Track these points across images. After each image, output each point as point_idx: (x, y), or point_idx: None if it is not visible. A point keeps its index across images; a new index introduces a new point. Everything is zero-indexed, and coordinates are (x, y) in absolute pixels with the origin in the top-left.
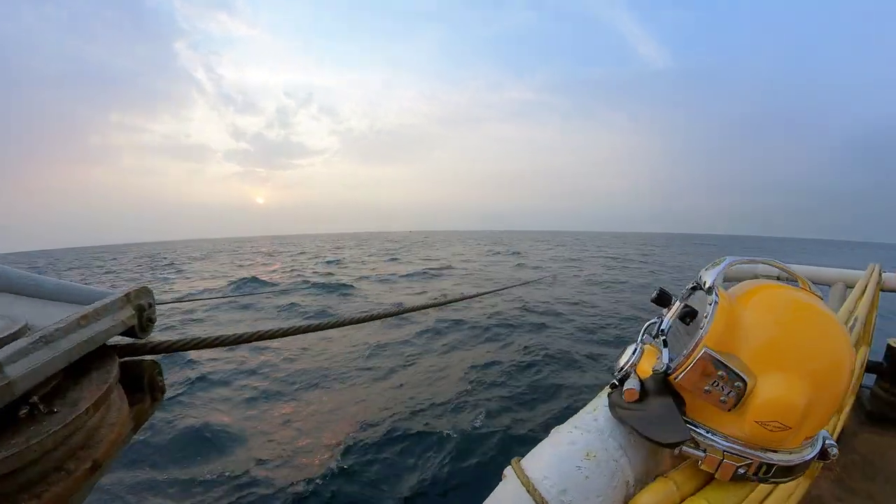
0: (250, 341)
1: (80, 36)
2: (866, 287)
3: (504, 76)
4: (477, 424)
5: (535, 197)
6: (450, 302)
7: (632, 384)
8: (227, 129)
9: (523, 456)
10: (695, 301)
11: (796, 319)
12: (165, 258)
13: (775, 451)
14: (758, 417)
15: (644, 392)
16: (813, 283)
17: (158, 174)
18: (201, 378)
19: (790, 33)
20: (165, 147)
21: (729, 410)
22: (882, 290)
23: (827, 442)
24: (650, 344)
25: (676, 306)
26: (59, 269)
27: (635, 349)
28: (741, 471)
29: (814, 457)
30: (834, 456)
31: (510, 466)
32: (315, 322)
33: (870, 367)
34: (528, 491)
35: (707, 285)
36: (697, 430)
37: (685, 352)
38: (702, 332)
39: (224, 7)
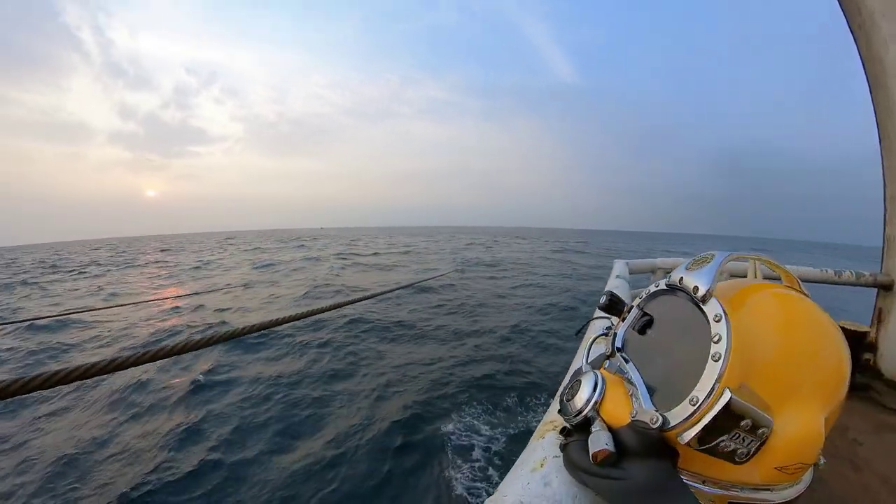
0: (76, 379)
1: None
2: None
3: (421, 73)
4: None
5: (453, 193)
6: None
7: (602, 440)
8: (113, 107)
9: None
10: (655, 307)
11: (801, 328)
12: (21, 268)
13: (783, 487)
14: (779, 463)
15: (621, 449)
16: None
17: (23, 158)
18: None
19: (677, 69)
20: (35, 124)
21: (743, 462)
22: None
23: None
24: (608, 370)
25: (634, 315)
26: None
27: (596, 382)
28: None
29: (810, 480)
30: (821, 465)
31: None
32: (157, 348)
33: None
34: None
35: (700, 292)
36: (693, 484)
37: (697, 398)
38: (720, 367)
39: None
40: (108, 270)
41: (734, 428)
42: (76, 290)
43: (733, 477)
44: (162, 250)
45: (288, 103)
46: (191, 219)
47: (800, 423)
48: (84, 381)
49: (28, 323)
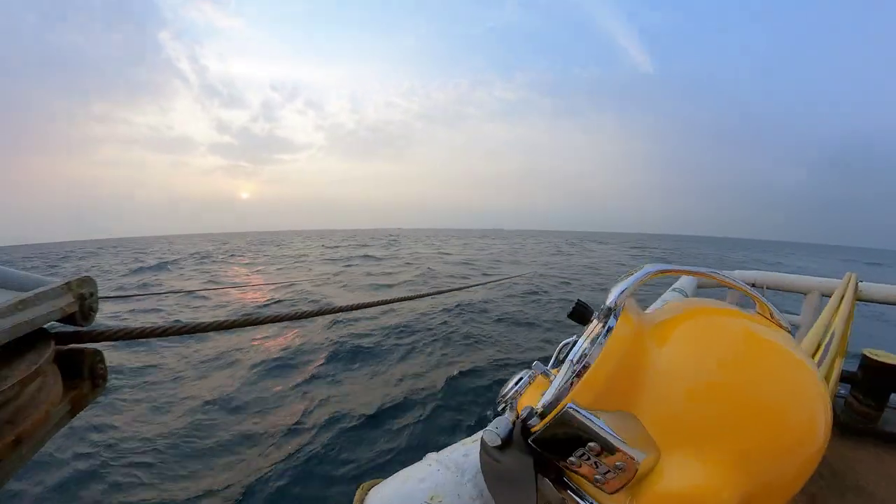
0: (200, 332)
1: (63, 23)
2: (842, 297)
3: (490, 75)
4: None
5: (527, 194)
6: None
7: (496, 424)
8: (211, 123)
9: (381, 480)
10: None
11: (738, 371)
12: (148, 256)
13: None
14: None
15: (509, 439)
16: (785, 291)
17: (140, 167)
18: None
19: (770, 53)
20: (148, 139)
21: (611, 493)
22: (858, 301)
23: None
24: (541, 372)
25: (593, 324)
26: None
27: (521, 377)
28: None
29: None
30: None
31: (359, 491)
32: (276, 313)
33: (843, 378)
34: None
35: (606, 304)
36: (574, 497)
37: (545, 399)
38: (564, 378)
39: None
40: (226, 259)
41: (578, 446)
42: (206, 267)
43: None
44: (260, 243)
45: (365, 111)
46: (279, 218)
47: (687, 478)
48: (192, 337)
49: (159, 297)
